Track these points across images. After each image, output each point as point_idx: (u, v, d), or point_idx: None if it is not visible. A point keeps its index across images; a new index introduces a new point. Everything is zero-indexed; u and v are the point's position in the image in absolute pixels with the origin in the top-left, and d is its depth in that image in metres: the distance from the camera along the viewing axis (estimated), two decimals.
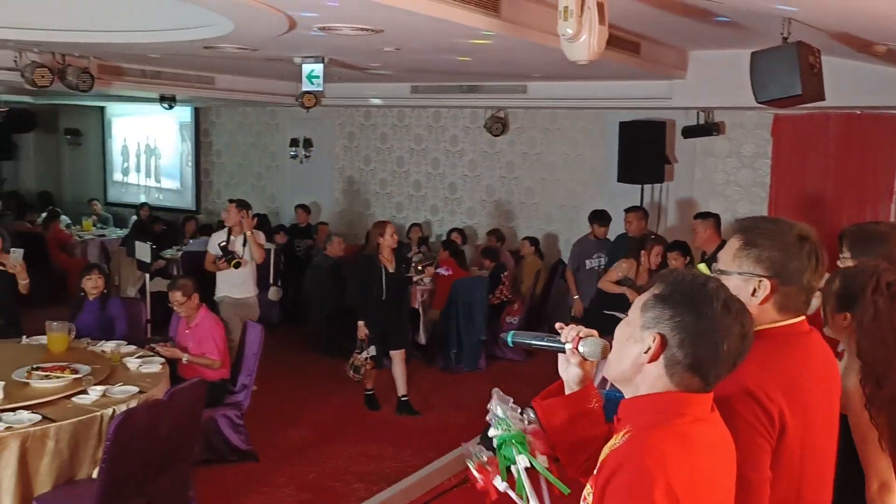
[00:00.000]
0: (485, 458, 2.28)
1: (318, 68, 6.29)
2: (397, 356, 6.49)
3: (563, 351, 1.87)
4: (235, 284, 6.81)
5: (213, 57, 6.56)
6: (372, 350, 6.35)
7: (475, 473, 2.30)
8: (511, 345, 1.97)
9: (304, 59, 6.33)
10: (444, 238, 9.52)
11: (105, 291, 5.83)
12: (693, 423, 1.61)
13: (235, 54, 6.16)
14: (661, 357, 1.62)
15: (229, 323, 6.29)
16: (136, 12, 5.40)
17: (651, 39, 6.04)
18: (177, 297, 5.44)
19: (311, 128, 11.25)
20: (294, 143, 11.13)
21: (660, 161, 8.36)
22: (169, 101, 10.07)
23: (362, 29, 4.72)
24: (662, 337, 1.62)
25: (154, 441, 3.93)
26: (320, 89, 6.51)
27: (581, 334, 1.84)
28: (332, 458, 5.69)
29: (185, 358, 5.35)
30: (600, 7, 3.62)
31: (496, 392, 2.30)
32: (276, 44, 5.38)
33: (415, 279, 6.95)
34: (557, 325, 1.93)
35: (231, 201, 7.23)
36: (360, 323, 6.34)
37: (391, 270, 6.35)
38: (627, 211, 7.54)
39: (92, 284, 5.72)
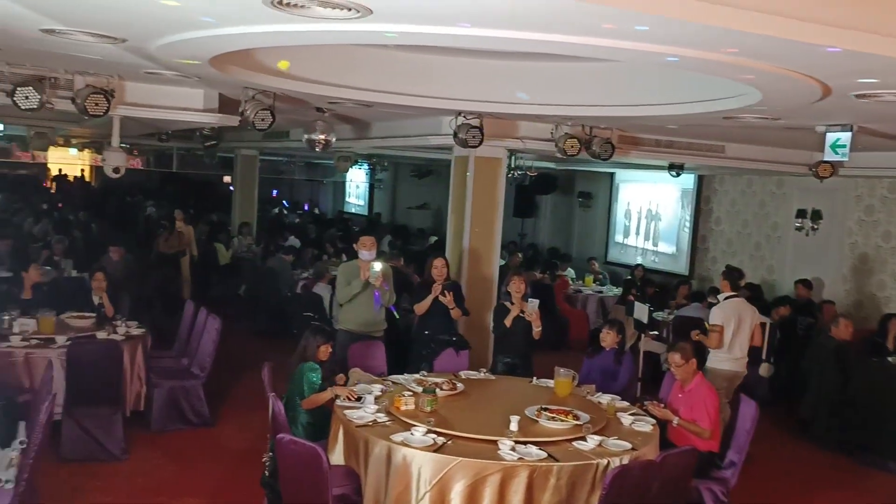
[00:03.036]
0: None
1: (845, 137, 5.84)
2: None
3: None
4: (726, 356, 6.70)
5: (727, 126, 6.58)
6: None
7: None
8: None
9: (829, 127, 5.95)
10: None
11: (619, 346, 6.23)
12: None
13: (754, 124, 6.09)
14: None
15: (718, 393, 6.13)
16: (660, 87, 5.72)
17: None
18: (675, 359, 5.49)
19: (821, 199, 10.49)
20: (801, 213, 10.49)
21: None
22: (677, 168, 10.40)
23: None
24: None
25: (644, 500, 4.02)
26: (845, 159, 6.03)
27: None
28: None
29: (675, 421, 5.36)
30: None
31: None
32: (801, 112, 5.17)
33: None
34: None
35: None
36: None
37: None
38: None
39: (611, 339, 6.18)
